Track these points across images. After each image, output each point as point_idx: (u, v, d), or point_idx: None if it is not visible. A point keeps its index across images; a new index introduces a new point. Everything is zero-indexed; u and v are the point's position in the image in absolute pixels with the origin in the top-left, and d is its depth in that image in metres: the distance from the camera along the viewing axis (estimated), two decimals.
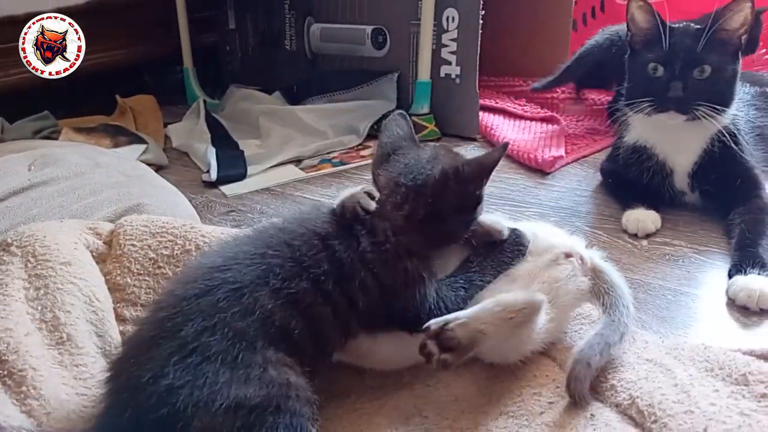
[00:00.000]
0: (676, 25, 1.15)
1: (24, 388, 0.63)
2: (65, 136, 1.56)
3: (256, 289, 0.64)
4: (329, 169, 1.50)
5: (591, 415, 0.65)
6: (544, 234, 0.81)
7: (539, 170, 1.43)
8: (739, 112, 1.19)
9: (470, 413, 0.69)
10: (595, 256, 0.81)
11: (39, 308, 0.74)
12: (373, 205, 0.72)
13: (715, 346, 0.73)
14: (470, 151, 1.58)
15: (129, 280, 0.84)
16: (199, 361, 0.59)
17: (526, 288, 0.74)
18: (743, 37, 1.14)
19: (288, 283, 0.65)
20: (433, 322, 0.67)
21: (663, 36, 1.11)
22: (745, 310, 0.91)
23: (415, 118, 1.63)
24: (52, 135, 1.58)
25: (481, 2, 1.56)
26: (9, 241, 0.81)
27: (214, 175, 1.44)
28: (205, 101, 1.88)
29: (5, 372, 0.65)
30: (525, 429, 0.66)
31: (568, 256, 0.78)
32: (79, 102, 1.82)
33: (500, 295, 0.70)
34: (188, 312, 0.62)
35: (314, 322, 0.66)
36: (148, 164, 1.43)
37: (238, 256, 0.68)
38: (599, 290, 0.78)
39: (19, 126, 1.61)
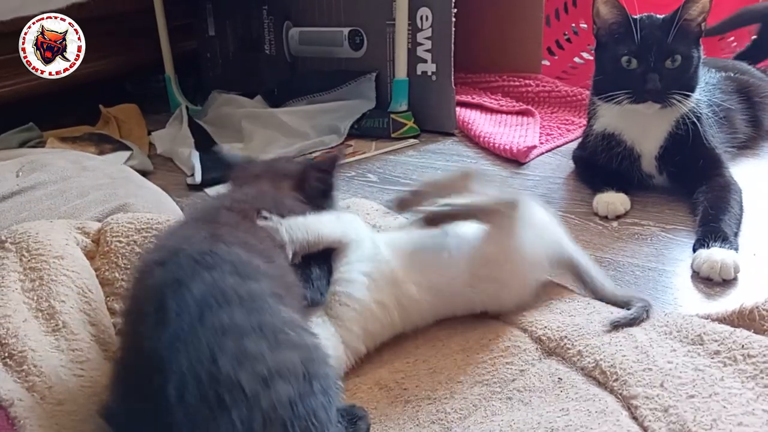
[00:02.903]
0: (642, 18, 1.19)
1: (25, 367, 0.67)
2: (51, 146, 1.59)
3: None
4: None
5: (559, 379, 0.70)
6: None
7: (515, 161, 1.47)
8: (702, 96, 1.23)
9: (447, 384, 0.73)
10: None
11: (35, 298, 0.77)
12: None
13: (674, 312, 0.78)
14: (449, 146, 1.62)
15: (117, 274, 0.87)
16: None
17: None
18: (702, 24, 1.19)
19: None
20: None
21: (634, 29, 1.15)
22: (708, 281, 0.95)
23: (394, 116, 1.68)
24: (38, 146, 1.61)
25: (454, 0, 1.60)
26: (3, 238, 0.85)
27: (198, 177, 1.47)
28: (187, 107, 1.91)
29: (6, 354, 0.69)
30: (498, 395, 0.70)
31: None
32: (62, 113, 1.84)
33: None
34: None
35: None
36: (134, 170, 1.46)
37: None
38: None
39: (3, 138, 1.64)
